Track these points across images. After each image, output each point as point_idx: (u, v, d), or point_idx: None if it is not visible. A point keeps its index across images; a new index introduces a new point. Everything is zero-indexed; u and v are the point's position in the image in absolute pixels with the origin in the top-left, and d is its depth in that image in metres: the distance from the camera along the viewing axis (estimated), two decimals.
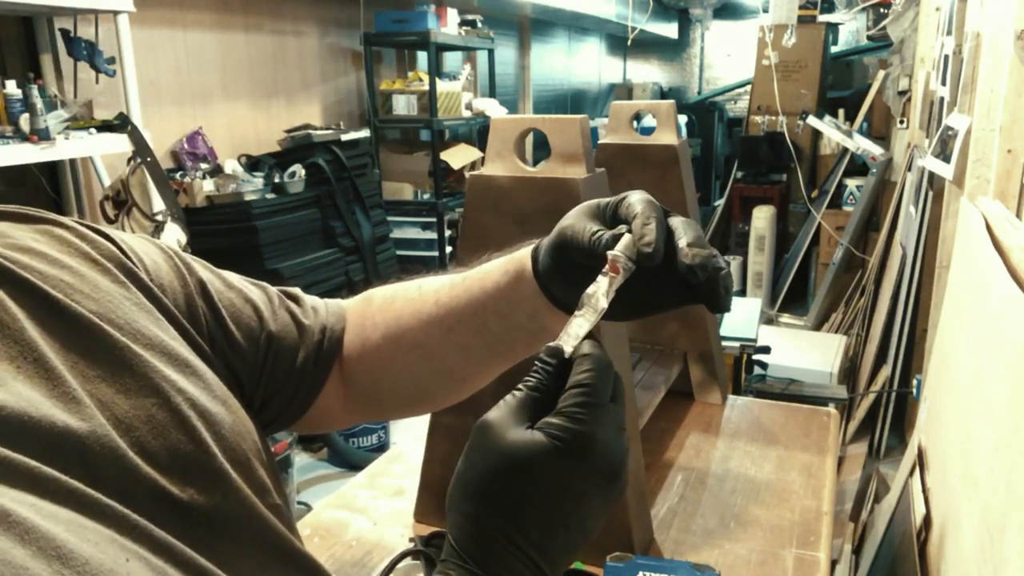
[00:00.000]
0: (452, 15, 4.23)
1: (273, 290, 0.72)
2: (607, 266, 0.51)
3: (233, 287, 0.67)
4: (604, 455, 0.47)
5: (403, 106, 4.14)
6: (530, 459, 0.46)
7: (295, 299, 0.72)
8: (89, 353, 0.49)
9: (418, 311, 0.70)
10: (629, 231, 0.52)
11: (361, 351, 0.72)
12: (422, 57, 4.73)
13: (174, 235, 2.59)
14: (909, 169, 3.71)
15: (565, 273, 0.58)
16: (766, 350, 2.93)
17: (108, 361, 0.50)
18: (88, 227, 0.57)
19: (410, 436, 1.27)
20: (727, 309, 0.52)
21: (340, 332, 0.73)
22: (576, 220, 0.57)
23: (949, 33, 2.74)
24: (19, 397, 0.44)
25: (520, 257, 0.64)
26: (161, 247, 0.63)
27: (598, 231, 0.54)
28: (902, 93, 4.45)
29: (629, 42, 5.79)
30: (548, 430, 0.46)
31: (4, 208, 0.54)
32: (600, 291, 0.51)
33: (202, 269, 0.65)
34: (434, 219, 4.18)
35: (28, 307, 0.48)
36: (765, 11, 5.98)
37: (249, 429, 0.59)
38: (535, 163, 0.99)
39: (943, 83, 2.75)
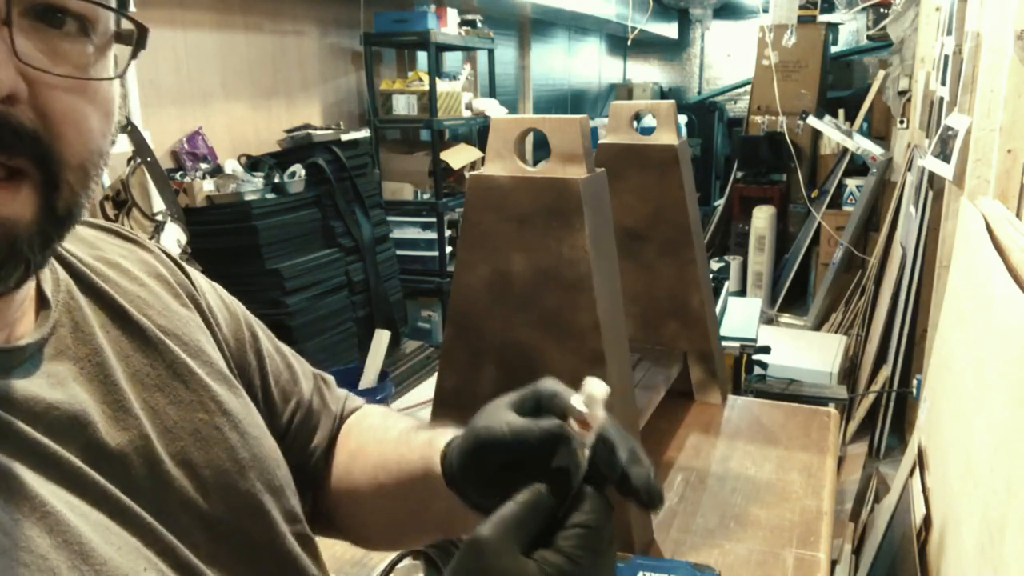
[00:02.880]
0: (452, 15, 4.22)
1: (309, 367, 0.74)
2: (576, 425, 0.47)
3: (279, 350, 0.70)
4: None
5: (403, 106, 4.13)
6: None
7: (326, 382, 0.75)
8: (150, 363, 0.53)
9: (381, 451, 0.67)
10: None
11: (336, 460, 0.71)
12: (422, 57, 4.73)
13: (174, 235, 2.59)
14: (909, 169, 3.70)
15: (484, 477, 0.52)
16: (766, 350, 2.93)
17: (167, 373, 0.54)
18: (168, 255, 0.62)
19: None
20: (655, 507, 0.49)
21: None
22: (492, 419, 0.51)
23: (949, 33, 2.73)
24: (74, 399, 0.47)
25: (427, 456, 0.59)
26: (225, 296, 0.67)
27: (529, 424, 0.48)
28: (902, 93, 4.45)
29: (629, 42, 5.78)
30: (545, 567, 0.42)
31: (104, 224, 0.59)
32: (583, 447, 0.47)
33: (257, 327, 0.68)
34: (434, 219, 4.17)
35: (103, 315, 0.53)
36: (765, 11, 5.98)
37: (284, 459, 0.62)
38: (535, 163, 0.99)
39: (943, 83, 2.75)
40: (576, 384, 0.48)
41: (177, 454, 0.51)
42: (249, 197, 3.02)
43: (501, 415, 0.51)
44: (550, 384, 0.51)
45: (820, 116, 5.10)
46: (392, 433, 0.68)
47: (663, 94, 8.22)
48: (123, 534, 0.45)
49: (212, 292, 0.64)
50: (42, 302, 0.49)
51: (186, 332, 0.57)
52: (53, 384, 0.46)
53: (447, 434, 0.59)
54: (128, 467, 0.48)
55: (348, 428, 0.73)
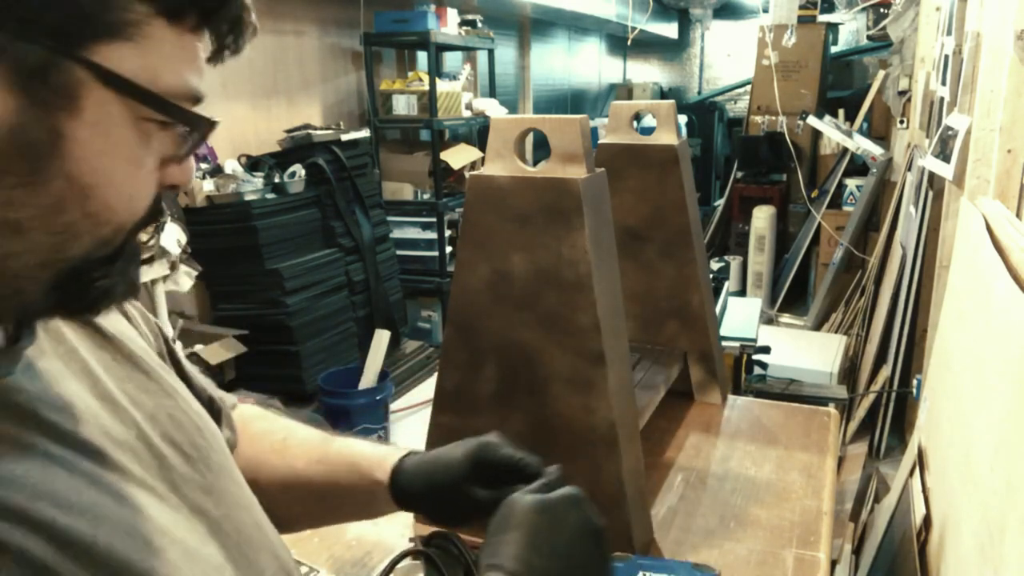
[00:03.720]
0: (452, 15, 4.22)
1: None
2: None
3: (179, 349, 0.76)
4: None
5: (403, 106, 4.13)
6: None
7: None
8: (112, 357, 0.56)
9: (291, 452, 0.79)
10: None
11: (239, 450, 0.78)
12: (422, 57, 4.73)
13: (174, 235, 2.59)
14: (909, 169, 3.71)
15: (487, 483, 0.72)
16: (766, 350, 2.93)
17: (128, 364, 0.57)
18: None
19: (409, 436, 1.27)
20: None
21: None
22: (489, 450, 0.74)
23: (949, 33, 2.74)
24: (77, 396, 0.49)
25: (374, 482, 0.75)
26: (134, 302, 0.69)
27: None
28: (902, 93, 4.45)
29: (629, 42, 5.78)
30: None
31: None
32: None
33: (159, 326, 0.72)
34: (434, 219, 4.17)
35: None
36: (765, 11, 5.98)
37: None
38: (535, 163, 0.99)
39: (943, 83, 2.75)
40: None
41: (165, 435, 0.54)
42: (249, 197, 3.02)
43: (498, 447, 0.74)
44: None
45: (820, 116, 5.10)
46: (302, 437, 0.80)
47: (663, 94, 8.22)
48: (181, 520, 0.49)
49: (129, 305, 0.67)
50: None
51: (125, 329, 0.60)
52: (58, 383, 0.48)
53: (390, 452, 0.77)
54: (138, 455, 0.50)
55: (245, 421, 0.80)
